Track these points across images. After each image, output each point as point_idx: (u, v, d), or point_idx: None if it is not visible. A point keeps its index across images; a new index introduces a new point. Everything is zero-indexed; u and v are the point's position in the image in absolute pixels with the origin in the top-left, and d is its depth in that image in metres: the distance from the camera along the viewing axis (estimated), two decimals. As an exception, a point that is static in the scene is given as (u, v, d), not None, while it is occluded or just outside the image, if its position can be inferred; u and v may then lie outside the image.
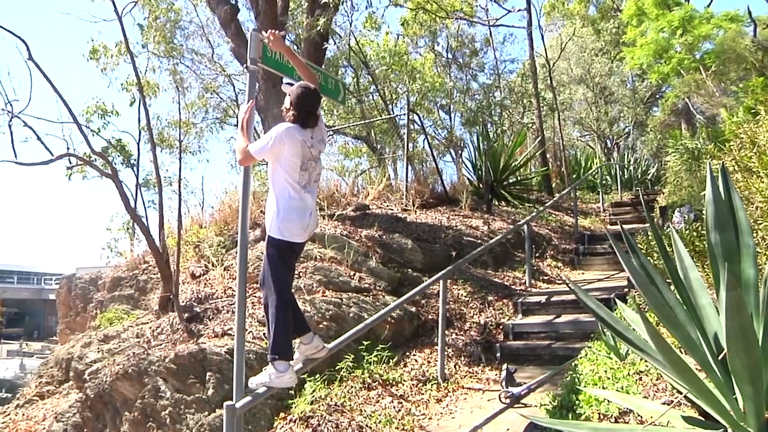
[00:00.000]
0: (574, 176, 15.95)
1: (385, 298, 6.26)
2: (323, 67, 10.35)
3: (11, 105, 5.30)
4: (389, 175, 12.42)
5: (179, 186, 6.23)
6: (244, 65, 3.57)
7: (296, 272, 6.52)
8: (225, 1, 9.17)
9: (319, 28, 8.07)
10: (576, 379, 3.95)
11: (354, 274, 6.58)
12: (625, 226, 4.37)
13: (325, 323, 5.53)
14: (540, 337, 5.82)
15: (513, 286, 7.30)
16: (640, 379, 3.70)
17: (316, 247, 7.03)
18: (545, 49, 17.84)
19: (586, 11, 21.80)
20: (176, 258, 5.88)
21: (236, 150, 3.48)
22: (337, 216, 8.06)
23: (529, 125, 15.97)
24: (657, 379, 3.59)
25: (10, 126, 5.17)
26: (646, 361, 3.43)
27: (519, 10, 16.83)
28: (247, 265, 3.48)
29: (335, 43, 15.18)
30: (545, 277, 7.86)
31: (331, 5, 8.29)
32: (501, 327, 6.10)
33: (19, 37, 5.39)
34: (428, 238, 8.04)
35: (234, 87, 15.11)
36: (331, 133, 16.37)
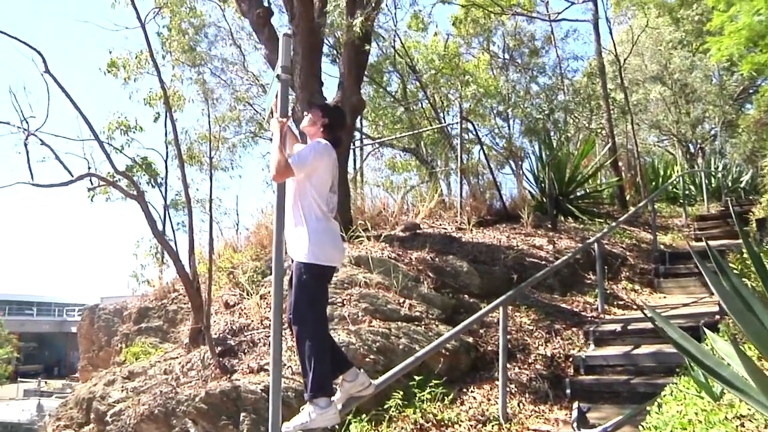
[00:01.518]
0: (651, 187, 15.53)
1: (438, 327, 6.22)
2: (365, 71, 10.52)
3: (27, 122, 5.58)
4: (442, 190, 12.41)
5: (210, 206, 6.42)
6: (276, 74, 3.65)
7: (340, 300, 6.57)
8: (257, 3, 9.46)
9: (357, 29, 8.21)
10: (661, 422, 3.80)
11: (403, 302, 6.58)
12: (713, 243, 4.22)
13: (371, 356, 5.53)
14: (616, 372, 5.65)
15: (583, 313, 7.14)
16: (742, 425, 3.49)
17: (362, 271, 7.07)
18: (614, 44, 17.57)
19: (662, -2, 21.41)
20: (207, 286, 6.02)
21: (271, 164, 3.55)
22: (384, 237, 8.10)
23: (598, 130, 15.69)
24: (766, 427, 3.40)
25: (26, 144, 5.45)
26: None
27: (583, 1, 16.67)
28: (283, 292, 3.52)
29: (378, 46, 15.41)
30: (620, 302, 7.66)
31: (372, 3, 8.46)
32: (570, 359, 5.96)
33: (34, 49, 5.70)
34: (486, 259, 7.97)
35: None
36: (378, 145, 16.54)
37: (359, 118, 17.52)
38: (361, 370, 3.79)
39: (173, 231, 11.62)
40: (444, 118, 16.23)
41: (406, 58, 15.64)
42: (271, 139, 3.84)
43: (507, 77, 18.23)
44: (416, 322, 6.24)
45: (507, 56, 19.76)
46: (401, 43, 15.76)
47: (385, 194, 12.37)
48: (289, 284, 3.60)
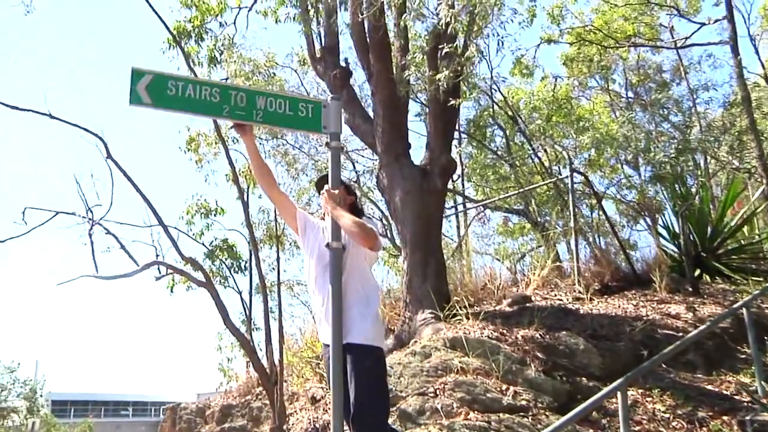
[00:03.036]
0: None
1: (549, 418, 5.97)
2: (456, 129, 10.72)
3: (91, 212, 6.12)
4: (557, 255, 12.14)
5: (278, 291, 6.65)
6: (325, 142, 3.85)
7: (432, 390, 6.49)
8: (333, 63, 9.98)
9: (443, 82, 8.38)
10: None
11: (506, 389, 6.39)
12: None
13: (468, 456, 5.38)
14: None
15: (736, 396, 6.59)
16: None
17: (458, 355, 6.97)
18: (764, 66, 16.83)
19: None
20: (278, 380, 6.17)
21: (351, 229, 3.65)
22: (486, 314, 7.99)
23: (747, 170, 14.86)
24: None
25: (90, 235, 5.95)
26: None
27: (717, 21, 16.13)
28: (342, 381, 3.56)
29: (476, 99, 15.67)
30: (787, 382, 7.01)
31: (456, 54, 8.63)
32: (720, 457, 5.50)
33: (96, 135, 6.30)
34: (608, 333, 7.64)
35: (354, 165, 16.05)
36: (482, 208, 16.55)
37: (460, 179, 17.75)
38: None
39: (267, 318, 12.05)
40: (559, 171, 16.04)
41: (507, 108, 15.73)
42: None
43: (631, 117, 17.81)
44: (522, 413, 6.02)
45: (630, 94, 19.42)
46: (501, 93, 15.92)
47: (491, 264, 12.31)
48: (336, 377, 3.62)
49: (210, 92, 3.84)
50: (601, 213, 12.96)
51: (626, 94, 19.22)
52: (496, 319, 7.86)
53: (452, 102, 8.66)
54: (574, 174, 11.03)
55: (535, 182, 15.26)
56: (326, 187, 3.86)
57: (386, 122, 8.91)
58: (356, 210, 3.98)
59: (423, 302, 8.10)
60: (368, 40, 9.16)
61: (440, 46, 8.37)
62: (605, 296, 9.19)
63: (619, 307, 8.59)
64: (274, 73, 13.59)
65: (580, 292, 9.25)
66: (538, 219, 15.02)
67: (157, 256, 6.69)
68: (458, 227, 16.31)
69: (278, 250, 7.49)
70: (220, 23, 12.02)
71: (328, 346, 3.61)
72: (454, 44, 8.11)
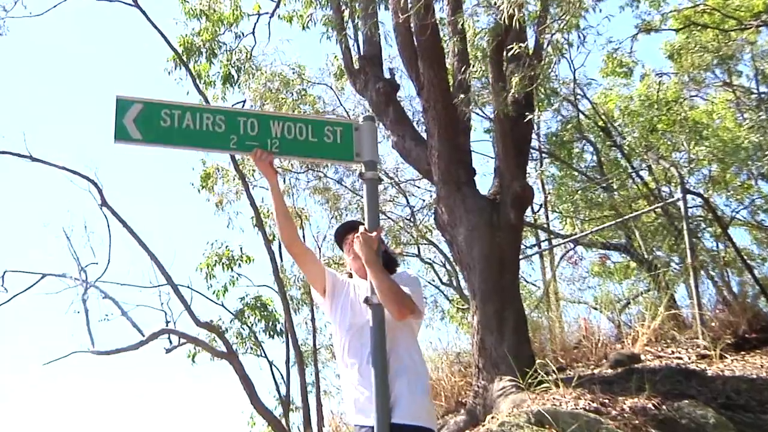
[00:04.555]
0: None
1: None
2: (531, 147, 10.63)
3: (85, 272, 6.25)
4: (672, 301, 11.85)
5: (315, 360, 6.63)
6: (359, 172, 3.86)
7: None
8: (376, 76, 10.06)
9: (512, 93, 8.31)
10: None
11: (612, 477, 6.23)
12: None
13: None
14: None
15: None
16: None
17: (546, 433, 6.85)
18: None
19: None
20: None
21: (385, 295, 3.68)
22: (580, 380, 7.82)
23: None
24: None
25: (84, 301, 6.06)
26: None
27: None
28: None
29: (556, 108, 15.61)
30: None
31: (527, 55, 8.57)
32: None
33: (89, 180, 6.47)
34: (749, 402, 7.39)
35: (407, 200, 16.12)
36: (572, 245, 16.34)
37: (541, 209, 17.59)
38: None
39: (304, 394, 12.07)
40: (670, 193, 15.76)
41: (597, 117, 15.63)
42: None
43: (764, 120, 17.40)
44: None
45: (763, 89, 18.91)
46: (588, 99, 15.85)
47: (589, 314, 12.08)
48: None
49: (213, 120, 3.87)
50: (728, 244, 12.65)
51: (757, 90, 18.75)
52: (595, 385, 7.70)
53: (526, 115, 8.62)
54: (689, 196, 10.82)
55: (638, 209, 15.02)
56: (361, 228, 3.87)
57: (443, 144, 8.90)
58: (387, 260, 3.99)
59: (500, 367, 7.99)
60: (416, 44, 9.22)
61: (507, 47, 8.35)
62: (741, 353, 8.93)
63: (761, 366, 8.32)
64: (305, 90, 13.81)
65: (705, 348, 9.00)
66: (645, 255, 14.74)
67: (168, 322, 6.80)
68: (542, 270, 16.12)
69: (313, 310, 7.45)
70: (236, 34, 12.30)
71: (365, 428, 3.59)
72: (524, 43, 8.09)
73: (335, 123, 4.20)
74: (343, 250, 4.15)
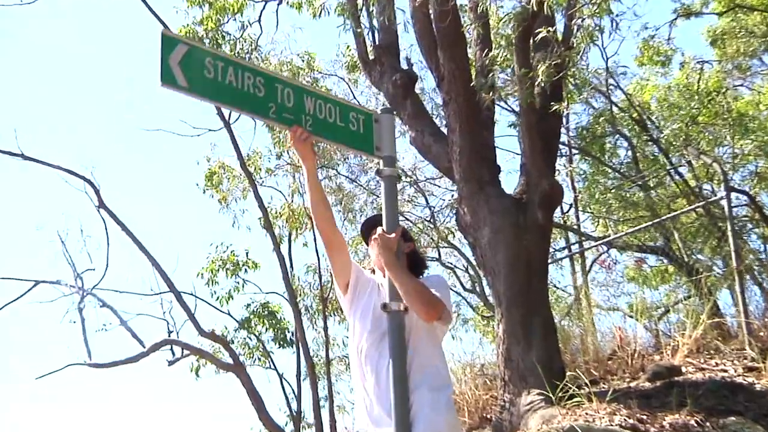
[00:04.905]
0: None
1: None
2: (561, 142, 10.60)
3: (81, 279, 6.30)
4: (716, 308, 11.80)
5: (328, 373, 6.66)
6: (377, 170, 3.88)
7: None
8: (392, 67, 10.06)
9: (538, 83, 8.27)
10: None
11: (649, 498, 6.23)
12: None
13: None
14: None
15: None
16: None
17: (579, 451, 6.85)
18: None
19: None
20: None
21: (411, 296, 3.69)
22: (615, 394, 7.81)
23: None
24: None
25: (80, 310, 6.11)
26: None
27: None
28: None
29: (586, 99, 15.57)
30: None
31: (556, 42, 8.51)
32: None
33: (85, 180, 6.52)
34: (798, 418, 7.35)
35: (427, 200, 16.11)
36: (605, 248, 16.30)
37: (572, 209, 17.54)
38: None
39: (316, 410, 12.06)
40: (712, 191, 15.70)
41: (632, 109, 15.57)
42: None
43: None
44: None
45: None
46: (622, 89, 15.79)
47: (625, 323, 12.02)
48: None
49: (253, 82, 3.82)
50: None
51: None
52: (632, 400, 7.68)
53: (554, 107, 8.58)
54: (733, 194, 10.76)
55: (677, 208, 14.95)
56: (379, 229, 3.88)
57: (465, 139, 8.89)
58: (416, 261, 4.04)
59: (528, 379, 7.97)
60: (435, 31, 9.21)
61: (534, 33, 8.31)
62: (791, 364, 8.85)
63: (813, 378, 8.26)
64: (316, 80, 13.86)
65: (753, 360, 8.93)
66: (685, 259, 14.68)
67: (170, 332, 6.84)
68: (572, 275, 16.07)
69: (325, 317, 7.47)
70: (242, 24, 12.32)
71: None
72: (552, 28, 8.07)
73: (359, 110, 4.16)
74: (368, 246, 4.12)
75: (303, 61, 14.51)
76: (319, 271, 13.38)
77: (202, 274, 11.64)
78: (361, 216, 15.56)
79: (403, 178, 15.94)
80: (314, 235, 14.97)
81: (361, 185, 15.63)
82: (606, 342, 10.28)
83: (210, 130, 14.77)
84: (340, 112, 4.08)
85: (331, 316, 13.90)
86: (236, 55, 12.27)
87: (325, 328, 10.24)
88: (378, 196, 15.39)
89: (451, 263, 18.22)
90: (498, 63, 9.17)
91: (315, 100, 4.03)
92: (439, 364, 3.73)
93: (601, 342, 10.34)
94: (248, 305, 15.14)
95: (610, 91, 16.00)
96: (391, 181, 3.90)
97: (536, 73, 8.01)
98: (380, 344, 3.74)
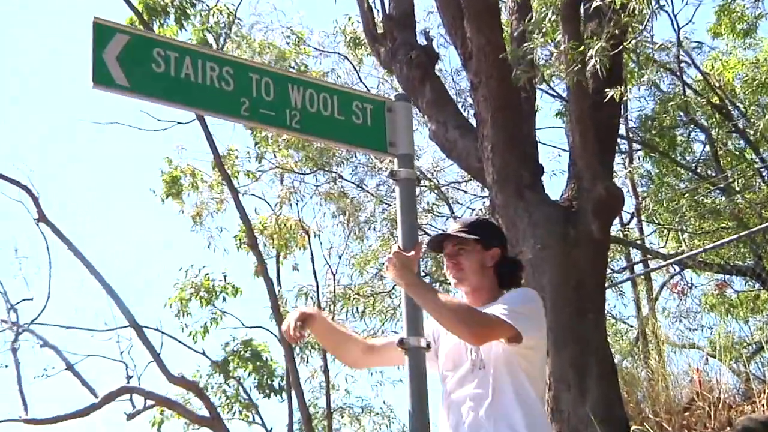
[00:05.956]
0: None
1: None
2: (619, 135, 10.56)
3: (16, 311, 6.27)
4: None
5: (329, 425, 6.67)
6: (390, 170, 3.91)
7: None
8: (405, 44, 10.04)
9: (592, 61, 8.26)
10: None
11: None
12: None
13: None
14: None
15: None
16: None
17: None
18: None
19: None
20: None
21: (447, 314, 3.67)
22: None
23: None
24: None
25: (14, 350, 6.09)
26: None
27: None
28: None
29: (652, 81, 15.55)
30: None
31: (614, 10, 8.48)
32: None
33: (22, 187, 6.54)
34: None
35: (451, 209, 16.09)
36: (678, 268, 16.26)
37: (634, 219, 17.53)
38: None
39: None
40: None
41: (710, 93, 15.57)
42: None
43: None
44: None
45: None
46: (697, 67, 15.76)
47: (705, 364, 12.00)
48: None
49: (219, 74, 3.79)
50: None
51: None
52: (715, 462, 7.72)
53: (611, 90, 8.56)
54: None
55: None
56: (394, 248, 3.90)
57: (499, 133, 8.84)
58: (508, 274, 4.03)
59: (581, 434, 7.98)
60: (461, -3, 9.19)
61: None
62: None
63: None
64: (306, 66, 13.90)
65: None
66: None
67: (129, 378, 6.84)
68: (636, 302, 16.03)
69: (325, 355, 7.44)
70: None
71: None
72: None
73: (365, 98, 4.15)
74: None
75: (289, 43, 14.50)
76: (318, 296, 13.27)
77: (170, 305, 11.62)
78: (369, 229, 15.54)
79: (421, 181, 15.91)
80: (311, 253, 15.04)
81: (369, 191, 15.58)
82: (681, 388, 10.25)
83: (178, 123, 14.61)
84: (339, 101, 4.05)
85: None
86: (209, 29, 12.27)
87: (326, 370, 10.04)
88: (390, 205, 15.39)
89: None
90: (541, 31, 9.09)
91: (304, 89, 3.99)
92: (525, 406, 3.65)
93: (674, 388, 10.31)
94: (226, 344, 15.07)
95: (682, 70, 15.98)
96: (408, 186, 3.90)
97: (589, 48, 8.00)
98: (462, 381, 3.77)
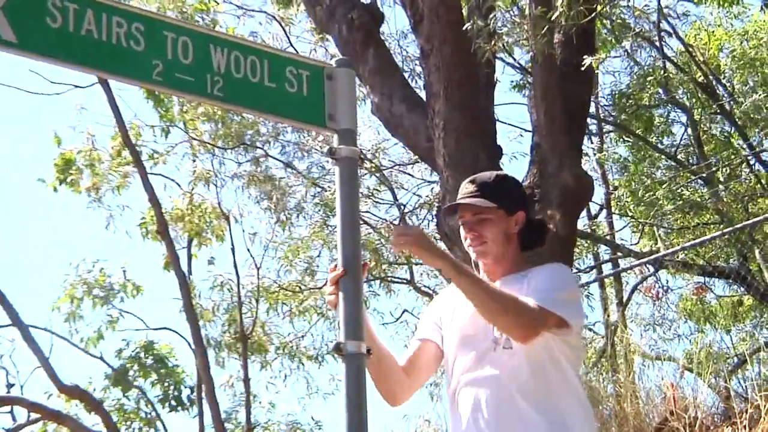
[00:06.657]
0: None
1: None
2: (588, 114, 10.63)
3: None
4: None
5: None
6: (328, 148, 3.96)
7: None
8: (348, 1, 10.04)
9: (557, 26, 8.35)
10: None
11: None
12: None
13: None
14: None
15: None
16: None
17: None
18: None
19: None
20: None
21: (489, 305, 3.66)
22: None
23: None
24: None
25: None
26: None
27: None
28: None
29: (627, 51, 15.71)
30: None
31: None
32: None
33: None
34: None
35: (395, 196, 16.15)
36: (652, 268, 16.44)
37: (603, 212, 17.70)
38: None
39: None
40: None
41: (693, 68, 15.78)
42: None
43: None
44: None
45: None
46: (679, 38, 15.95)
47: (680, 378, 12.17)
48: None
49: (127, 31, 3.62)
50: None
51: None
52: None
53: (581, 63, 8.65)
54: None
55: (758, 213, 15.10)
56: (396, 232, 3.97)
57: (453, 108, 8.86)
58: (534, 238, 4.06)
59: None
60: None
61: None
62: None
63: None
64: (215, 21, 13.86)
65: None
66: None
67: (10, 386, 6.80)
68: (604, 306, 16.21)
69: (245, 361, 7.45)
70: None
71: None
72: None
73: (301, 63, 4.07)
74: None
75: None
76: (239, 291, 13.12)
77: (57, 308, 11.48)
78: (298, 217, 15.52)
79: (360, 163, 15.89)
80: (232, 242, 14.95)
81: (300, 173, 15.53)
82: (653, 406, 10.37)
83: (76, 86, 14.33)
84: (270, 66, 3.95)
85: (253, 356, 13.70)
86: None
87: (246, 379, 9.95)
88: (326, 189, 15.39)
89: (429, 287, 18.06)
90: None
91: (228, 51, 3.88)
92: (565, 404, 3.66)
93: (645, 406, 10.44)
94: (120, 351, 14.70)
95: (662, 41, 16.11)
96: (350, 166, 3.91)
97: (556, 14, 8.07)
98: (477, 370, 3.74)
